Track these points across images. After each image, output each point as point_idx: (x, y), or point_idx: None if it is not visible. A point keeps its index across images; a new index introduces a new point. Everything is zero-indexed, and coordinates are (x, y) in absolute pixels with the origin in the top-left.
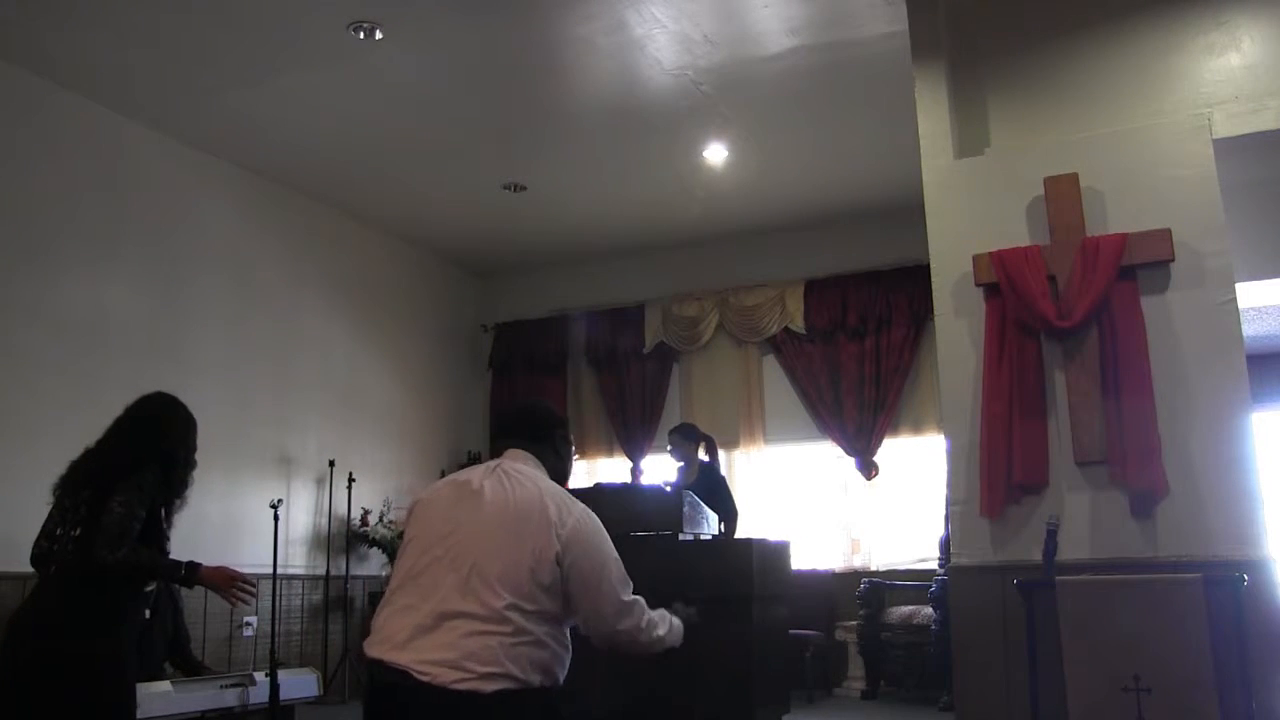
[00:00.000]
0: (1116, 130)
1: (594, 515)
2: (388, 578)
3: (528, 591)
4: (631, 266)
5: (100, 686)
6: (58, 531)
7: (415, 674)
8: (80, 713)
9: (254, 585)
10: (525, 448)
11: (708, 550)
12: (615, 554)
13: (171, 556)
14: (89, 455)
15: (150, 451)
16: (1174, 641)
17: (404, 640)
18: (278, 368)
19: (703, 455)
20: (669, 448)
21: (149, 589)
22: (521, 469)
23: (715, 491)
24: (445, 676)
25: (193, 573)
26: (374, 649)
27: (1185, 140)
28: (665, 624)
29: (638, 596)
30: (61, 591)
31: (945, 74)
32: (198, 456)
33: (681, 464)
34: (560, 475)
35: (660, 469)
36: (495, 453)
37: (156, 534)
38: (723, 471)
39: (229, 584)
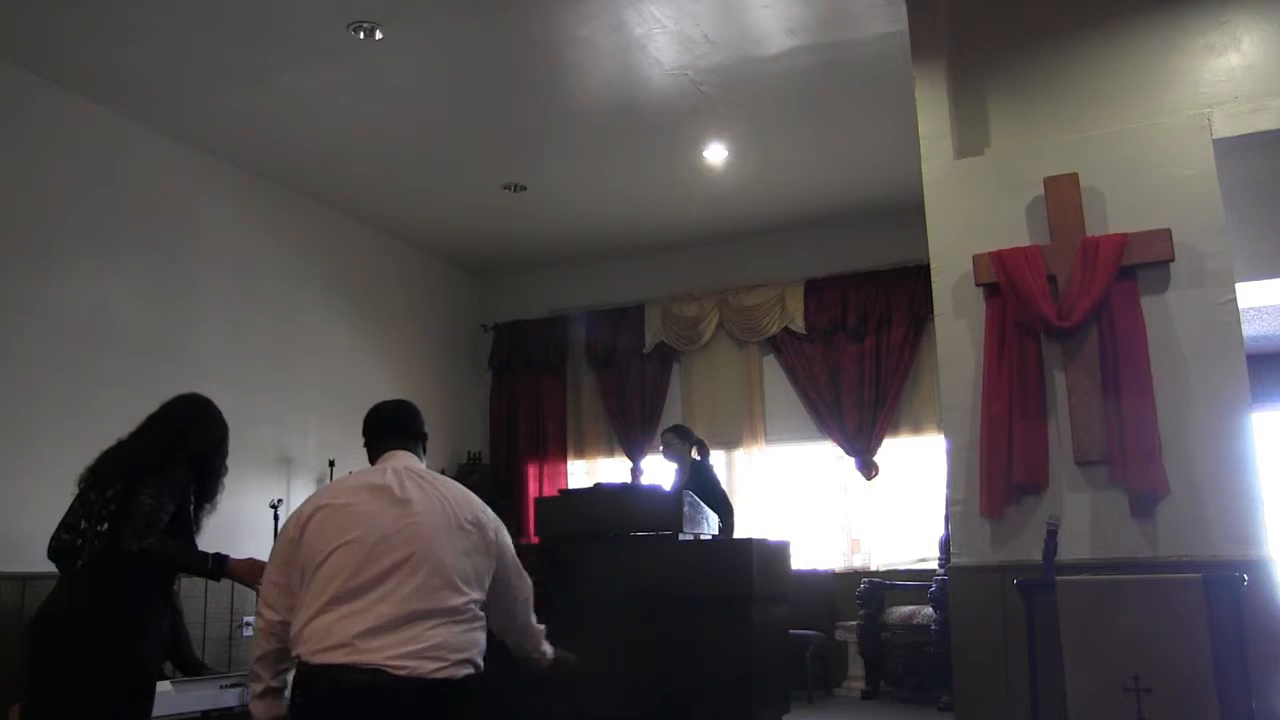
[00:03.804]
0: (1116, 130)
1: None
2: None
3: (479, 584)
4: (631, 266)
5: (122, 677)
6: (81, 525)
7: (391, 670)
8: (100, 703)
9: None
10: (409, 448)
11: (708, 550)
12: None
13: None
14: (120, 448)
15: (182, 450)
16: (1174, 641)
17: (364, 643)
18: (278, 367)
19: (694, 455)
20: (662, 447)
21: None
22: (422, 470)
23: (711, 490)
24: (424, 668)
25: (220, 565)
26: (327, 655)
27: (1185, 140)
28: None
29: None
30: (86, 586)
31: (945, 74)
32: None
33: (676, 464)
34: None
35: (659, 469)
36: (376, 452)
37: (184, 533)
38: (716, 471)
39: (259, 577)
